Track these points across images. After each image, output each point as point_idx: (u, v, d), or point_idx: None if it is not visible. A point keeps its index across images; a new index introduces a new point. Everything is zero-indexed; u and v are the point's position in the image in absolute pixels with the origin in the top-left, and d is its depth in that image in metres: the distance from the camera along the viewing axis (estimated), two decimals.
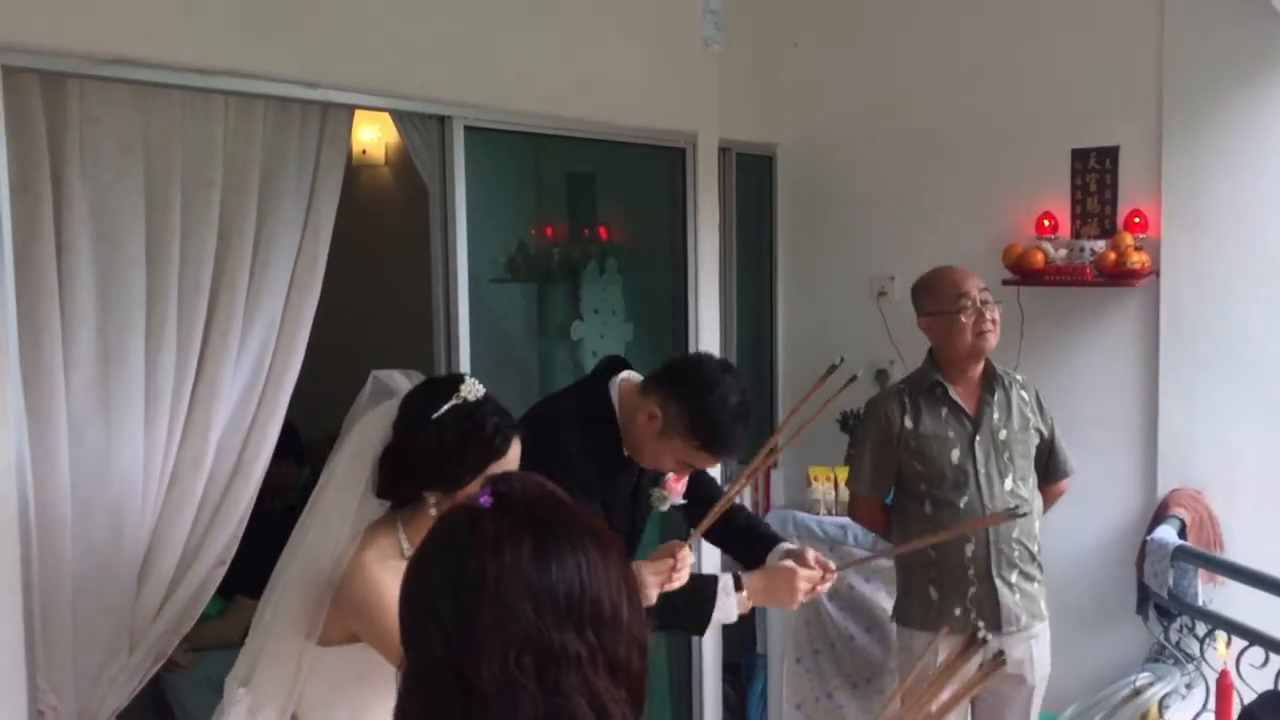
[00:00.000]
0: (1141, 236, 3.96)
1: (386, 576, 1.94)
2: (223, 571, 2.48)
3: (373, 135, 5.21)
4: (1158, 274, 3.97)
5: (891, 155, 4.53)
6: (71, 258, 2.18)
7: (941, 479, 3.08)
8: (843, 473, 4.16)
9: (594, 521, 1.20)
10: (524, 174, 3.56)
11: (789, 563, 2.48)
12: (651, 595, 2.04)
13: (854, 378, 2.39)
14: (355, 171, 4.81)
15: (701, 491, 2.72)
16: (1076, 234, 4.11)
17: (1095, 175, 4.10)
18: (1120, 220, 4.04)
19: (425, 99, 2.90)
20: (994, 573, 3.06)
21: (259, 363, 2.55)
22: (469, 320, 3.09)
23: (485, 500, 1.17)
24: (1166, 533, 3.57)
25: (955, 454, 3.08)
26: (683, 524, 2.86)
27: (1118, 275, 3.90)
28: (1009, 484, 3.08)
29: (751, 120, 4.48)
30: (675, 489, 2.61)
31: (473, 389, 2.02)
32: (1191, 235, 3.93)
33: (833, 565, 2.51)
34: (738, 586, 2.40)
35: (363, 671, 1.97)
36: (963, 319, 3.05)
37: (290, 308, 2.61)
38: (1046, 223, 4.14)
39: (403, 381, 2.17)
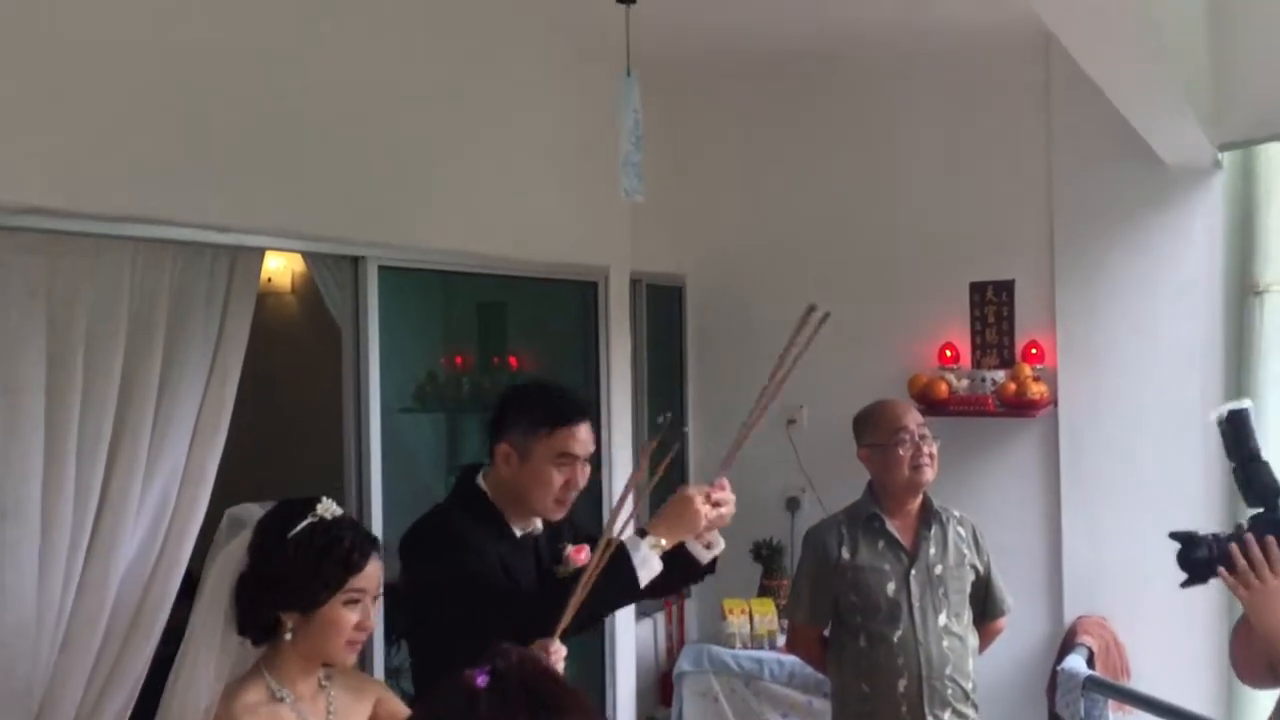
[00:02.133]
0: (1039, 367, 4.10)
1: None
2: None
3: (278, 264, 5.15)
4: (1056, 404, 4.09)
5: (797, 286, 4.60)
6: None
7: (876, 611, 3.07)
8: (757, 604, 4.16)
9: (585, 700, 1.22)
10: (437, 309, 3.56)
11: (680, 491, 2.45)
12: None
13: (826, 314, 2.47)
14: (260, 300, 4.71)
15: None
16: (977, 364, 4.24)
17: (993, 307, 4.24)
18: (1018, 351, 4.18)
19: (339, 240, 2.89)
20: (926, 710, 3.03)
21: (160, 514, 2.46)
22: (381, 457, 3.04)
23: (482, 680, 1.17)
24: (1076, 662, 3.62)
25: (890, 587, 3.07)
26: None
27: (1018, 405, 4.02)
28: (943, 619, 3.07)
29: (661, 252, 4.55)
30: (578, 559, 2.58)
31: (329, 507, 2.01)
32: (1085, 367, 4.08)
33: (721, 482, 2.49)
34: (641, 536, 2.35)
35: None
36: (900, 452, 3.07)
37: (194, 455, 2.54)
38: (948, 353, 4.27)
39: (258, 513, 2.13)
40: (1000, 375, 4.12)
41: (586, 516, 3.68)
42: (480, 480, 2.53)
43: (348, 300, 3.02)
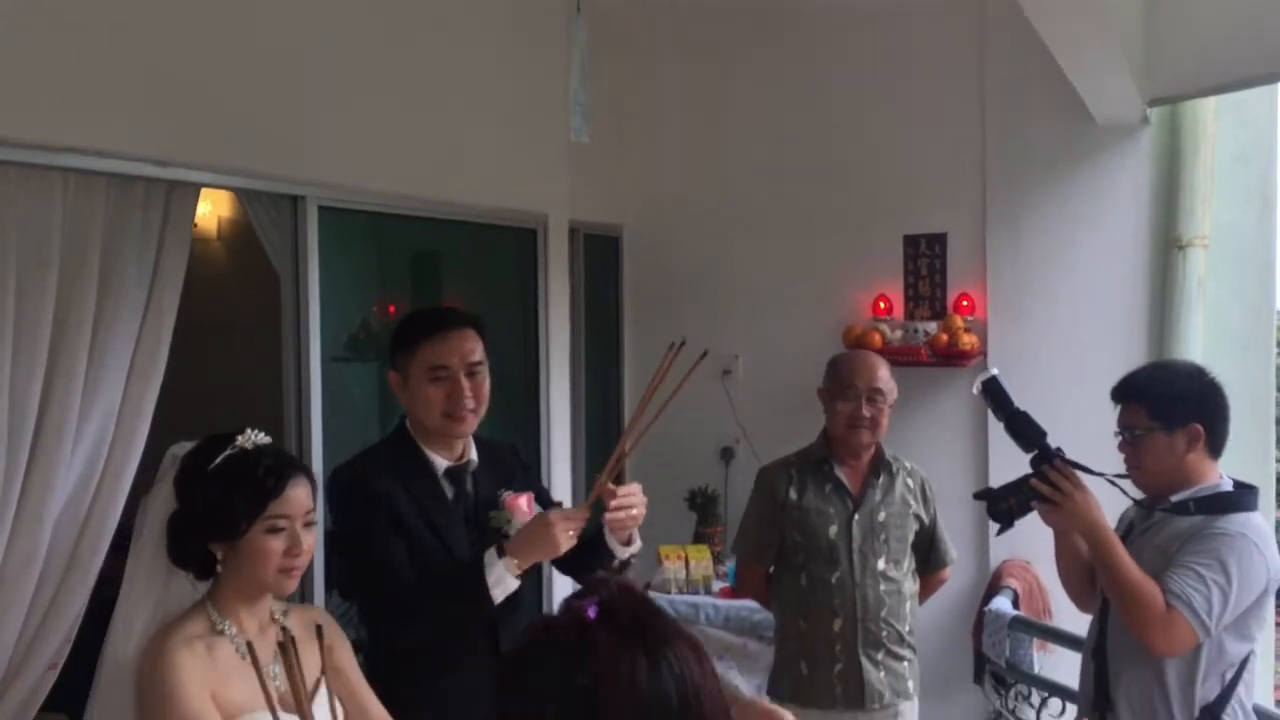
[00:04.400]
0: (970, 319, 4.18)
1: (187, 657, 1.85)
2: (54, 676, 2.32)
3: (204, 209, 5.03)
4: (985, 354, 4.18)
5: (735, 237, 4.67)
6: None
7: (817, 552, 3.11)
8: (693, 551, 4.21)
9: (682, 629, 1.22)
10: (374, 256, 3.51)
11: (540, 513, 2.43)
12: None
13: (704, 353, 2.41)
14: None
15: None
16: (910, 315, 4.31)
17: (926, 260, 4.31)
18: (950, 303, 4.25)
19: (278, 178, 2.84)
20: (860, 650, 3.08)
21: (96, 453, 2.41)
22: (321, 403, 3.01)
23: (592, 611, 1.16)
24: (1002, 604, 3.73)
25: (833, 530, 3.11)
26: None
27: (950, 356, 4.10)
28: (881, 564, 3.11)
29: (598, 201, 4.54)
30: (517, 506, 2.56)
31: (251, 438, 1.98)
32: (1014, 319, 4.16)
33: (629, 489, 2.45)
34: (500, 554, 2.33)
35: None
36: (839, 406, 3.11)
37: (130, 394, 2.50)
38: (882, 304, 4.33)
39: None
40: (933, 326, 4.19)
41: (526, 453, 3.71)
42: (407, 419, 2.53)
43: (287, 242, 2.98)
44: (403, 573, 2.33)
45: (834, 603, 3.08)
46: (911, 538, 3.19)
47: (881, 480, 3.18)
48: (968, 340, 4.09)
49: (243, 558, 1.93)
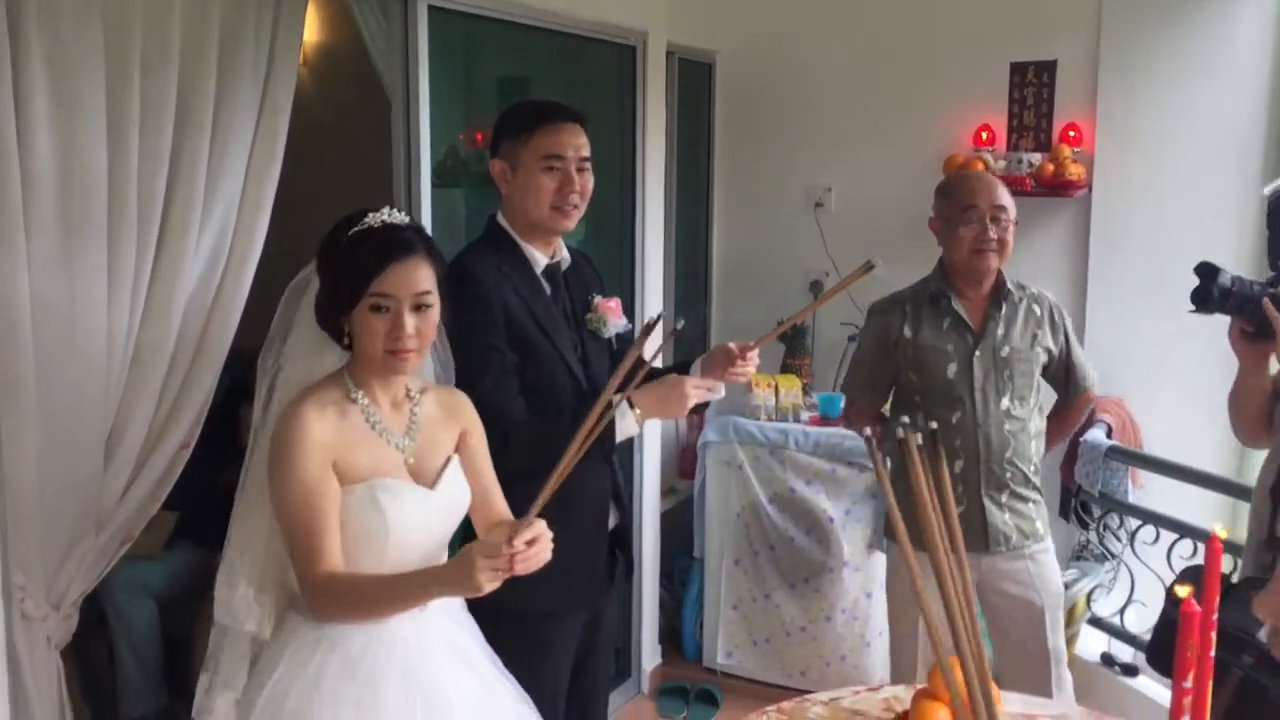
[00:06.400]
0: (1076, 150, 4.06)
1: (316, 421, 1.91)
2: (187, 454, 2.43)
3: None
4: (1090, 188, 4.08)
5: (831, 65, 4.55)
6: (30, 118, 2.08)
7: (935, 393, 2.98)
8: (784, 380, 4.23)
9: None
10: (481, 69, 3.47)
11: (674, 376, 2.49)
12: (486, 588, 1.78)
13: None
14: None
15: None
16: (1013, 147, 4.20)
17: (1033, 89, 4.18)
18: (1055, 134, 4.13)
19: None
20: (982, 492, 2.98)
21: (220, 242, 2.47)
22: (432, 218, 3.02)
23: None
24: (1097, 435, 3.72)
25: (952, 368, 2.98)
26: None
27: (1055, 186, 4.00)
28: (1005, 403, 2.98)
29: (693, 25, 4.43)
30: (608, 307, 2.61)
31: (381, 215, 1.96)
32: (1124, 151, 4.04)
33: (746, 345, 2.47)
34: (631, 405, 2.40)
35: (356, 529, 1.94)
36: (961, 231, 2.93)
37: (249, 188, 2.53)
38: (984, 135, 4.22)
39: None
40: (1037, 158, 4.09)
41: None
42: (499, 215, 2.53)
43: (396, 47, 2.94)
44: (514, 410, 2.35)
45: (954, 444, 2.95)
46: (1039, 371, 3.05)
47: (1004, 311, 3.02)
48: (1075, 170, 3.98)
49: (355, 333, 1.95)
